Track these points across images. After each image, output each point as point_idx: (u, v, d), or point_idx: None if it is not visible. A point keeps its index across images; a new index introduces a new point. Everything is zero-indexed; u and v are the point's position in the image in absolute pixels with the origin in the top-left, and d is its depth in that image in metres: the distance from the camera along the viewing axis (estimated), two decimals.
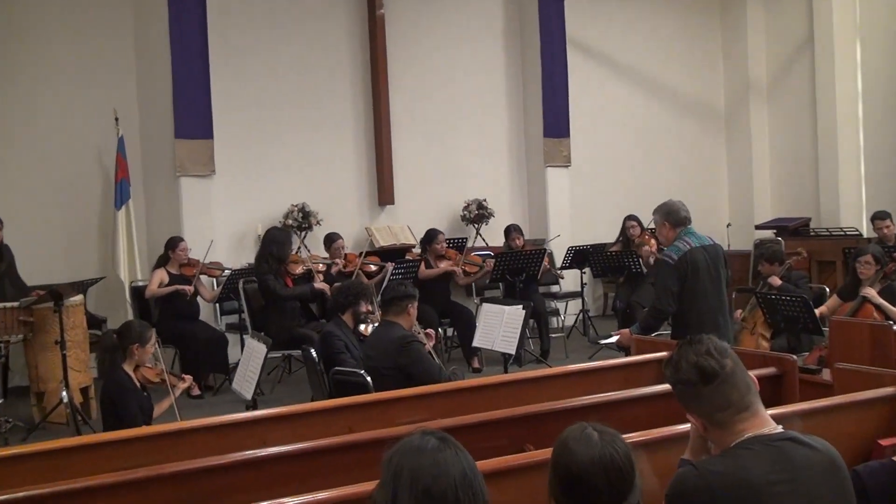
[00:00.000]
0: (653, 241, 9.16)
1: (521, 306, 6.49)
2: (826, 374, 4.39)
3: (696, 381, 2.35)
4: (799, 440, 2.33)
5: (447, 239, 9.56)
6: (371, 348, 5.16)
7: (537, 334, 9.02)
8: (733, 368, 2.37)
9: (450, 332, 9.03)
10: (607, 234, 10.56)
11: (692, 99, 12.80)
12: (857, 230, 10.47)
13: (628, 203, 11.12)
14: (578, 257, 9.87)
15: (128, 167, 8.71)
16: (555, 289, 10.45)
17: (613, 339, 6.56)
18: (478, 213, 10.64)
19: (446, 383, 4.56)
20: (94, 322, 7.83)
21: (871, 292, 6.36)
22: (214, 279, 8.77)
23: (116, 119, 8.74)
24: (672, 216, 5.47)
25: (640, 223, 9.71)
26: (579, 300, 10.28)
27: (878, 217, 9.04)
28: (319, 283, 7.92)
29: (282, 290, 7.60)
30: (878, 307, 6.29)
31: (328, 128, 10.18)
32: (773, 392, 4.01)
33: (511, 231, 9.42)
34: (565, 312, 10.36)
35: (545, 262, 9.26)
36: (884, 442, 3.30)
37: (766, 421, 2.37)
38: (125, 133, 8.76)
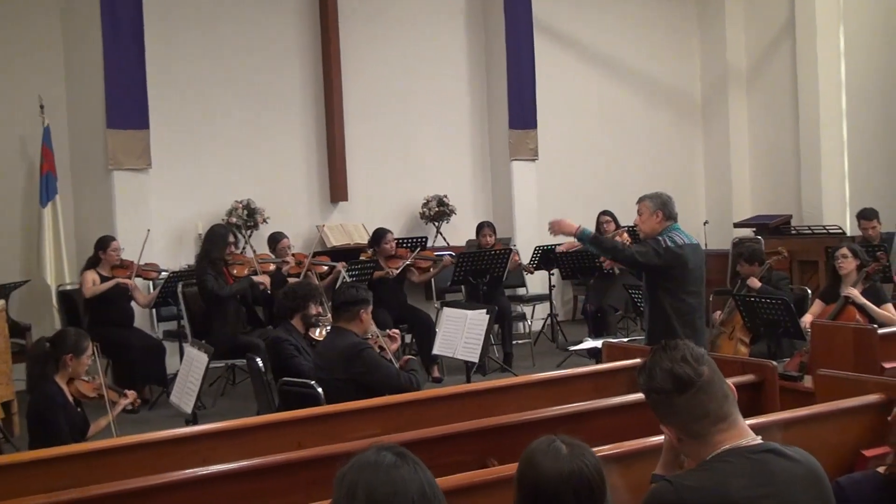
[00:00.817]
0: (626, 236, 9.23)
1: (484, 311, 6.51)
2: (808, 381, 4.47)
3: (670, 389, 2.38)
4: (779, 452, 2.37)
5: (405, 238, 9.56)
6: (321, 357, 5.15)
7: (501, 340, 9.06)
8: (710, 376, 2.40)
9: (408, 338, 9.04)
10: None
11: (667, 88, 12.94)
12: (841, 228, 10.64)
13: (599, 198, 11.20)
14: (546, 258, 9.93)
15: (54, 160, 8.59)
16: (521, 291, 10.50)
17: (584, 346, 6.61)
18: (438, 211, 10.65)
19: (404, 394, 4.57)
20: (17, 330, 7.70)
21: (853, 293, 6.45)
22: (150, 282, 8.68)
23: (42, 107, 8.61)
24: (668, 207, 5.57)
25: (614, 219, 9.76)
26: (547, 303, 10.34)
27: (864, 216, 9.18)
28: (259, 276, 7.86)
29: (220, 288, 7.56)
30: (861, 308, 6.38)
31: (276, 118, 10.13)
32: (753, 400, 4.08)
33: (483, 227, 9.46)
34: (532, 317, 10.42)
35: (514, 257, 9.30)
36: (868, 452, 3.36)
37: (744, 432, 2.40)
38: (52, 122, 8.63)
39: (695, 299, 5.51)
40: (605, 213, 9.92)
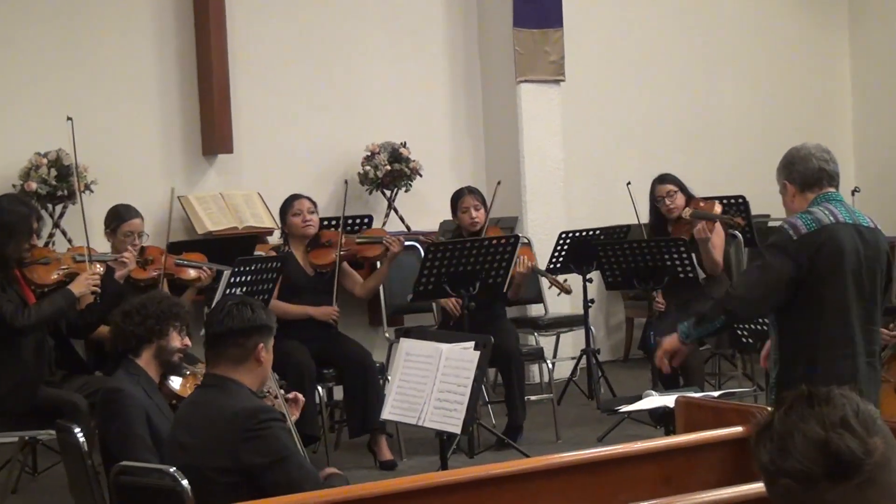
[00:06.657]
0: (718, 208, 9.22)
1: (472, 343, 6.51)
2: None
3: (819, 473, 2.35)
4: None
5: (333, 219, 9.48)
6: (187, 431, 5.12)
7: (502, 396, 9.08)
8: (885, 454, 2.37)
9: (338, 392, 9.04)
10: (629, 208, 10.61)
11: None
12: None
13: (671, 149, 11.25)
14: (578, 251, 9.91)
15: None
16: (537, 311, 10.51)
17: (645, 405, 6.63)
18: (391, 170, 10.64)
19: (333, 490, 4.58)
20: None
21: None
22: None
23: None
24: (795, 168, 5.61)
25: (681, 188, 9.55)
26: (581, 332, 10.35)
27: None
28: (85, 279, 7.75)
29: (19, 316, 7.51)
30: None
31: (108, 19, 10.15)
32: None
33: (463, 196, 9.38)
34: (556, 355, 10.45)
35: (527, 260, 9.20)
36: None
37: None
38: None
39: (860, 317, 5.54)
40: (662, 179, 9.55)
